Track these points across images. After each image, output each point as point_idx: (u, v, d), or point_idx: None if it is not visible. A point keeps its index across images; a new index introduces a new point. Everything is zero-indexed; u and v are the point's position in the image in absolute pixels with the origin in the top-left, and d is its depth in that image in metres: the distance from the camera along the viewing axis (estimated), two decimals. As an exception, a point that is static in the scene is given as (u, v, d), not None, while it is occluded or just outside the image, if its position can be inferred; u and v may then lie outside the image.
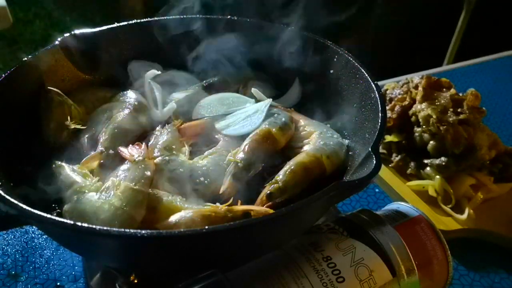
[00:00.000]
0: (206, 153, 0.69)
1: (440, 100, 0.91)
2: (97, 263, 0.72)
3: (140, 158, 0.63)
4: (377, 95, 0.68)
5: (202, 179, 0.64)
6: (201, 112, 0.78)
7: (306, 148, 0.70)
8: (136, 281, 0.65)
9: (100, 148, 0.69)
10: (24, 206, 0.49)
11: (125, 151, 0.66)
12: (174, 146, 0.69)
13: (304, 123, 0.76)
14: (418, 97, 0.93)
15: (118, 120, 0.72)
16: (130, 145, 0.68)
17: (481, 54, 1.49)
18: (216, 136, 0.74)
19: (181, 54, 0.85)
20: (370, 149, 0.58)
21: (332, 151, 0.68)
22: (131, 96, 0.77)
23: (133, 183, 0.60)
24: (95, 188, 0.62)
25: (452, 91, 0.93)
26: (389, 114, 0.95)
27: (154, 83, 0.80)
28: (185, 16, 0.86)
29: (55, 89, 0.75)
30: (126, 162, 0.65)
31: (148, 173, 0.62)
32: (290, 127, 0.74)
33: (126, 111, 0.74)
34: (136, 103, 0.76)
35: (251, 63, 0.85)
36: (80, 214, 0.58)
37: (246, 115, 0.74)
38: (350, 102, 0.75)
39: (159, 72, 0.82)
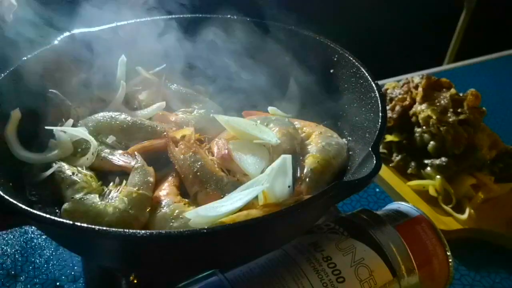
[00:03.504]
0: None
1: (440, 101, 0.91)
2: (96, 263, 0.72)
3: (139, 164, 0.64)
4: (377, 95, 0.67)
5: None
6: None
7: (310, 151, 0.69)
8: (136, 281, 0.65)
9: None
10: (24, 206, 0.49)
11: (117, 159, 0.66)
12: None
13: (301, 125, 0.76)
14: (418, 98, 0.93)
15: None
16: (119, 153, 0.68)
17: (481, 53, 1.48)
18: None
19: (181, 53, 0.85)
20: (370, 149, 0.58)
21: (336, 152, 0.68)
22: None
23: (136, 188, 0.61)
24: (96, 190, 0.62)
25: (452, 91, 0.93)
26: (389, 114, 0.95)
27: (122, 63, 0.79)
28: (185, 16, 0.86)
29: (54, 90, 0.75)
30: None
31: (151, 178, 0.63)
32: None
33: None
34: None
35: (250, 63, 0.85)
36: (81, 215, 0.58)
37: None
38: (350, 102, 0.75)
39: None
